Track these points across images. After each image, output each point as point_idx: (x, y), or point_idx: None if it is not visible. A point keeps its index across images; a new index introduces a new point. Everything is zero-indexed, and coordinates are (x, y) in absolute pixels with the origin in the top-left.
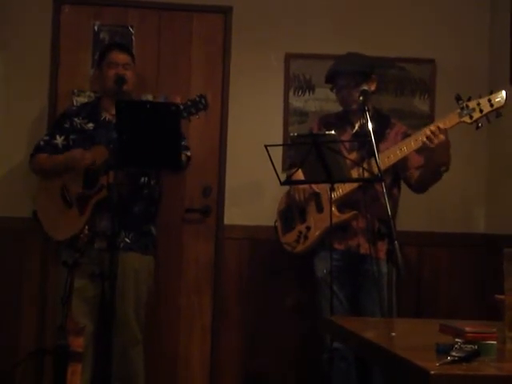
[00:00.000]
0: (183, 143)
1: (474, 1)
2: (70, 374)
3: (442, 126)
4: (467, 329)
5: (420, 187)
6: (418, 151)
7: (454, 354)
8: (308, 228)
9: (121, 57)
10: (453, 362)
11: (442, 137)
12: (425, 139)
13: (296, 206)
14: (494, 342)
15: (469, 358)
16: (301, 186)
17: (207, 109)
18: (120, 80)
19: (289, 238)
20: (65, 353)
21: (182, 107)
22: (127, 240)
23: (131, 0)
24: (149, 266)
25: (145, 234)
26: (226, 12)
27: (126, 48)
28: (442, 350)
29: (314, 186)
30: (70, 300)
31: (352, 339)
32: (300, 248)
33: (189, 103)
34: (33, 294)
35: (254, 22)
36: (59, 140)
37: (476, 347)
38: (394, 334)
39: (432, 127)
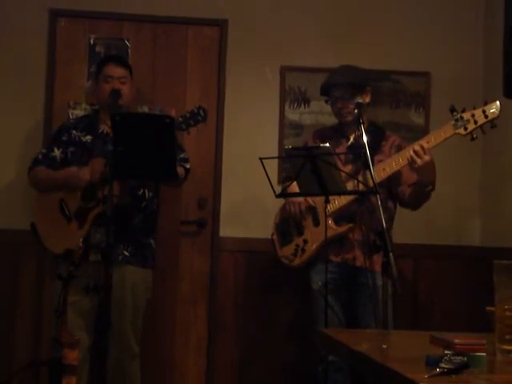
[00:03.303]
0: (182, 156)
1: (469, 14)
2: None
3: (425, 144)
4: (456, 340)
5: (411, 204)
6: (410, 167)
7: (443, 365)
8: (305, 241)
9: (117, 70)
10: (442, 373)
11: (426, 158)
12: (409, 158)
13: (292, 219)
14: (484, 354)
15: (458, 369)
16: (296, 199)
17: (206, 120)
18: (115, 94)
19: (286, 252)
20: (59, 365)
21: (180, 119)
22: (126, 253)
23: (127, 13)
24: (147, 279)
25: (144, 247)
26: (221, 25)
27: (123, 61)
28: (432, 362)
29: (310, 199)
30: (64, 313)
31: (345, 352)
32: (297, 261)
33: (187, 115)
34: (29, 307)
35: (250, 35)
36: (57, 153)
37: (465, 359)
38: (385, 346)
39: (416, 147)
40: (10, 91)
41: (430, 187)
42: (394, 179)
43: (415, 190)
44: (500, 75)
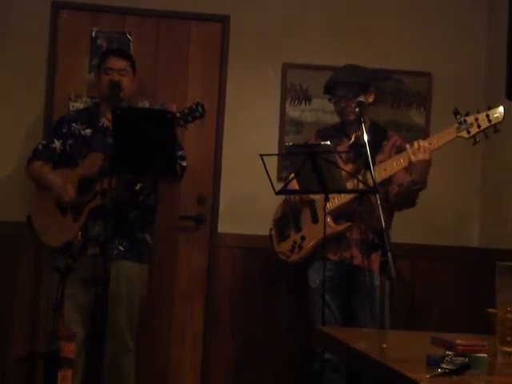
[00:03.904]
0: (180, 153)
1: (472, 14)
2: (60, 379)
3: (427, 145)
4: (458, 341)
5: (395, 205)
6: (406, 168)
7: (444, 366)
8: (303, 238)
9: (117, 63)
10: (443, 374)
11: (426, 155)
12: (410, 152)
13: (292, 212)
14: (485, 355)
15: (459, 370)
16: None
17: (204, 117)
18: (114, 86)
19: (283, 248)
20: (55, 358)
21: (178, 115)
22: (121, 248)
23: (129, 7)
24: (143, 274)
25: (139, 242)
26: (223, 21)
27: (124, 54)
28: (433, 362)
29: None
30: (61, 306)
31: (343, 350)
32: (294, 257)
33: (185, 111)
34: (25, 300)
35: (252, 32)
36: (57, 144)
37: (466, 360)
38: (385, 345)
39: (421, 142)
40: (11, 83)
41: (420, 186)
42: (387, 178)
43: (402, 190)
44: (503, 76)
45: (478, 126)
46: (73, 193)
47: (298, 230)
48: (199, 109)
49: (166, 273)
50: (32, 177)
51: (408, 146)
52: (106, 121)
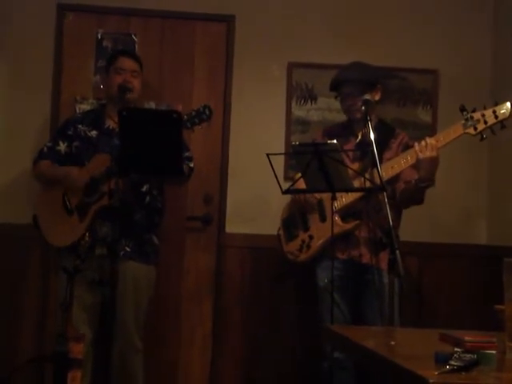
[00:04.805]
0: (186, 154)
1: (478, 11)
2: (69, 380)
3: (434, 142)
4: (467, 338)
5: (402, 201)
6: (413, 166)
7: (453, 362)
8: (311, 237)
9: (130, 64)
10: (452, 370)
11: (434, 153)
12: (417, 149)
13: (299, 212)
14: (494, 352)
15: (468, 367)
16: None
17: (211, 119)
18: (124, 89)
19: (291, 247)
20: (64, 360)
21: (185, 117)
22: (127, 249)
23: (134, 8)
24: (149, 275)
25: (146, 243)
26: (228, 21)
27: (134, 55)
28: (441, 359)
29: (317, 195)
30: (70, 307)
31: (352, 348)
32: (303, 257)
33: (193, 113)
34: (33, 301)
35: (257, 31)
36: (62, 146)
37: (475, 357)
38: (393, 342)
39: (428, 139)
40: (18, 85)
41: (427, 183)
42: (394, 176)
43: (409, 188)
44: (509, 72)
45: (485, 123)
46: (86, 177)
47: (306, 229)
48: (206, 111)
49: (174, 274)
50: (42, 174)
51: (416, 143)
52: (111, 122)
